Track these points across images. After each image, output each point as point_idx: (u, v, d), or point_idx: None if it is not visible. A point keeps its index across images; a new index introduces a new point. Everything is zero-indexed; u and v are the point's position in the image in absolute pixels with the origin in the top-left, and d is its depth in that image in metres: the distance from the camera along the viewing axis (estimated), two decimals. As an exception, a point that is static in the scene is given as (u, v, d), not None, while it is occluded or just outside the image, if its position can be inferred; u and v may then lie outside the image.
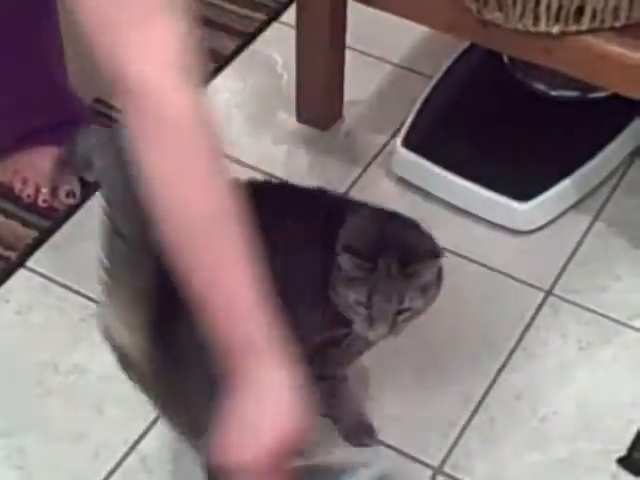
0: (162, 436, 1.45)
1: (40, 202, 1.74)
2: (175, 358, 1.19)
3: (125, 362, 1.24)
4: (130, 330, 1.19)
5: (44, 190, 1.74)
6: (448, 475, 1.43)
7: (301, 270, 1.24)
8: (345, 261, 1.21)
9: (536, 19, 1.46)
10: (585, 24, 1.46)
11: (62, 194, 1.74)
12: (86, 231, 1.70)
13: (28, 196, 1.74)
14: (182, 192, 1.01)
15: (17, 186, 1.75)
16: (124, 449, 1.45)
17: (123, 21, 1.00)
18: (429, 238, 1.28)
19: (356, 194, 1.73)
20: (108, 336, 1.23)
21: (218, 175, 1.02)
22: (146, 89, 1.00)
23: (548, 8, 1.45)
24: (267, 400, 1.01)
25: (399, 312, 1.23)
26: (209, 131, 1.03)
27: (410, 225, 1.29)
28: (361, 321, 1.24)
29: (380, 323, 1.23)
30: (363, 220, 1.28)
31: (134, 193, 1.06)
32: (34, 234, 1.70)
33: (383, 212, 1.31)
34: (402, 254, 1.22)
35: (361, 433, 1.46)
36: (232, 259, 1.01)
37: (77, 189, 1.75)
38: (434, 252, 1.25)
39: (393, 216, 1.31)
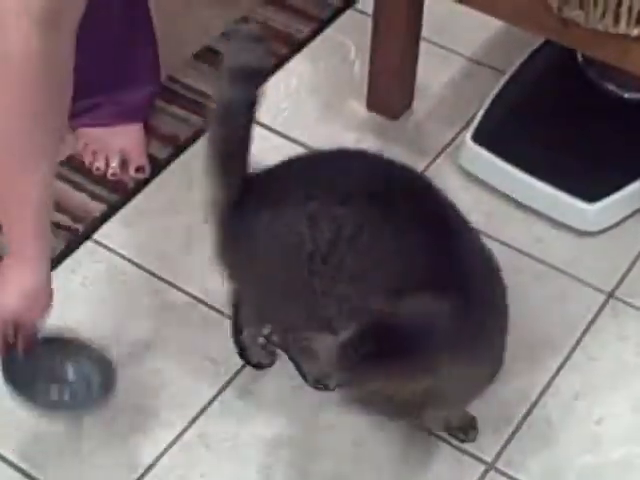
0: (220, 413, 1.47)
1: (109, 175, 1.75)
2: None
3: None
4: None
5: (113, 164, 1.75)
6: (501, 471, 1.42)
7: None
8: None
9: (616, 20, 1.46)
10: (666, 28, 1.46)
11: (132, 169, 1.76)
12: (154, 207, 1.72)
13: (97, 169, 1.76)
14: None
15: (87, 159, 1.77)
16: (184, 424, 1.46)
17: None
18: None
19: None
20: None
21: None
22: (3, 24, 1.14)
23: (630, 10, 1.44)
24: (4, 285, 1.29)
25: None
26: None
27: None
28: None
29: None
30: None
31: None
32: (102, 207, 1.71)
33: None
34: None
35: None
36: (27, 178, 1.23)
37: (147, 165, 1.77)
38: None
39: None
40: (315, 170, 1.34)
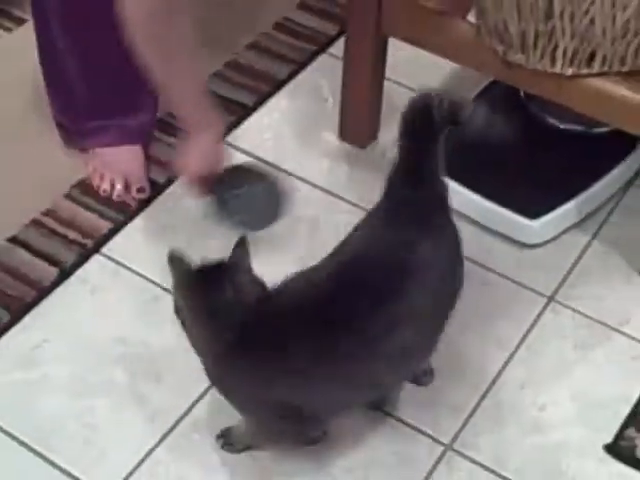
0: (213, 403, 1.47)
1: (114, 197, 1.75)
2: None
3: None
4: None
5: (118, 186, 1.75)
6: (457, 451, 1.43)
7: None
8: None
9: (553, 62, 1.47)
10: (595, 68, 1.47)
11: (134, 190, 1.76)
12: (154, 225, 1.73)
13: (104, 191, 1.76)
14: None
15: (95, 181, 1.77)
16: (179, 413, 1.46)
17: None
18: None
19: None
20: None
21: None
22: None
23: (564, 53, 1.45)
24: (202, 145, 1.51)
25: None
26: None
27: None
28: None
29: None
30: None
31: None
32: (109, 225, 1.71)
33: None
34: None
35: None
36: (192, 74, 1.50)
37: (147, 186, 1.77)
38: None
39: None
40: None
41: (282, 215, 1.56)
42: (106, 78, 1.71)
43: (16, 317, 1.58)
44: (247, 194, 1.54)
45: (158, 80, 1.47)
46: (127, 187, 1.76)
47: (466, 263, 1.62)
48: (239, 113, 1.90)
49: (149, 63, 1.43)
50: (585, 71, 1.47)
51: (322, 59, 2.01)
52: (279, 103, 1.94)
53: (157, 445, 1.43)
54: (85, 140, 1.78)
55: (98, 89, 1.72)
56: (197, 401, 1.47)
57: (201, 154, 1.51)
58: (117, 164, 1.76)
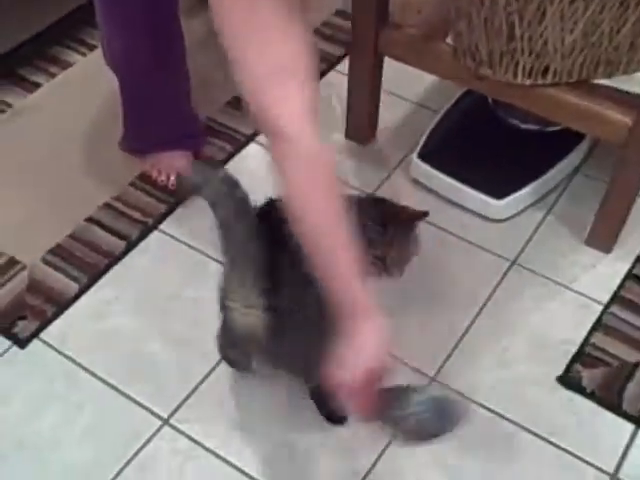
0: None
1: (170, 186, 1.74)
2: (285, 321, 1.15)
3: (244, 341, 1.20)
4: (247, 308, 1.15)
5: (172, 178, 1.74)
6: (440, 382, 1.42)
7: None
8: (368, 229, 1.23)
9: (515, 75, 1.45)
10: (549, 79, 1.44)
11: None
12: (200, 207, 1.69)
13: (162, 181, 1.74)
14: (315, 208, 1.02)
15: (154, 174, 1.75)
16: (217, 358, 1.44)
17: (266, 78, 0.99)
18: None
19: (383, 190, 1.72)
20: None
21: (336, 197, 1.03)
22: (288, 133, 0.99)
23: (524, 68, 1.43)
24: (366, 342, 1.02)
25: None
26: (330, 167, 1.04)
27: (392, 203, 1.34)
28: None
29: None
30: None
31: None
32: (165, 207, 1.70)
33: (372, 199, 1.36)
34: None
35: None
36: (343, 250, 1.02)
37: None
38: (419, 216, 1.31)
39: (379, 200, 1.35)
40: None
41: (451, 429, 1.13)
42: (161, 106, 1.68)
43: (92, 280, 1.57)
44: (417, 414, 1.10)
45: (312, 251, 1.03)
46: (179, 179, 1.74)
47: (444, 234, 1.63)
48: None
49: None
50: (541, 82, 1.45)
51: (331, 75, 1.98)
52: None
53: (203, 380, 1.42)
54: (148, 150, 1.75)
55: (155, 115, 1.71)
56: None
57: (363, 357, 1.02)
58: (171, 163, 1.73)
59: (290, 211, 1.03)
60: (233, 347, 1.35)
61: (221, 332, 1.33)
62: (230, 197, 1.13)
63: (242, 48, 1.00)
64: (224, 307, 1.21)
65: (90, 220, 1.67)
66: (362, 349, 1.02)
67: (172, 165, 1.73)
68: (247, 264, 1.14)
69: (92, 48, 2.04)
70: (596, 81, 1.46)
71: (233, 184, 1.12)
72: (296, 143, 1.00)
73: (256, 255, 1.13)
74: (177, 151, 1.74)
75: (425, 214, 1.33)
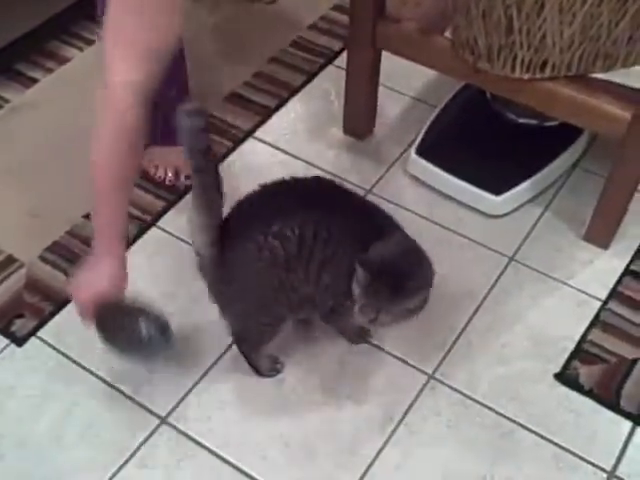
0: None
1: (167, 182, 1.72)
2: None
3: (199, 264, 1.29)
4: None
5: (169, 174, 1.72)
6: (438, 380, 1.41)
7: (341, 248, 1.21)
8: (360, 272, 1.18)
9: (513, 69, 1.43)
10: (547, 73, 1.43)
11: (182, 177, 1.73)
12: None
13: (159, 177, 1.73)
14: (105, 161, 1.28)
15: (151, 170, 1.74)
16: (220, 352, 1.44)
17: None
18: (430, 273, 1.22)
19: (381, 186, 1.71)
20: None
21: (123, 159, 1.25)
22: (111, 97, 1.23)
23: (522, 61, 1.42)
24: (99, 271, 1.28)
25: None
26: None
27: (421, 261, 1.22)
28: (357, 310, 1.21)
29: (368, 315, 1.21)
30: (389, 246, 1.21)
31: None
32: (163, 204, 1.69)
33: (408, 244, 1.24)
34: (403, 281, 1.17)
35: (362, 336, 1.43)
36: (116, 208, 1.29)
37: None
38: (428, 283, 1.21)
39: (412, 250, 1.23)
40: (268, 205, 1.26)
41: (161, 348, 1.30)
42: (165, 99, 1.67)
43: (91, 277, 1.56)
44: (127, 328, 1.29)
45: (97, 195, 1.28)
46: (177, 175, 1.73)
47: (442, 230, 1.62)
48: (263, 114, 1.86)
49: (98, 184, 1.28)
50: (539, 76, 1.43)
51: (329, 70, 1.96)
52: (295, 105, 1.89)
53: (203, 376, 1.41)
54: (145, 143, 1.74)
55: (157, 110, 1.69)
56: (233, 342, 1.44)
57: (95, 279, 1.27)
58: (169, 159, 1.72)
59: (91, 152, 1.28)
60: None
61: None
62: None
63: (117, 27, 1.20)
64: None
65: (88, 217, 1.66)
66: (96, 278, 1.28)
67: (169, 161, 1.72)
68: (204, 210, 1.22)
69: (90, 43, 2.03)
70: (594, 75, 1.44)
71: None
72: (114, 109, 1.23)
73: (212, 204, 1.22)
74: (173, 146, 1.73)
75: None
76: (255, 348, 1.39)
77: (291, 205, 1.23)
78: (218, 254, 1.25)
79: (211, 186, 1.20)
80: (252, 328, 1.35)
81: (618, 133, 1.42)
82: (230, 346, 1.44)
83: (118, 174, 1.27)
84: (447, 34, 1.52)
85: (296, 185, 1.28)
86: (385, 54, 1.65)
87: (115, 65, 1.21)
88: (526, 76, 1.43)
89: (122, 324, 1.30)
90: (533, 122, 1.69)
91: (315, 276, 1.24)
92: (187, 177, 1.73)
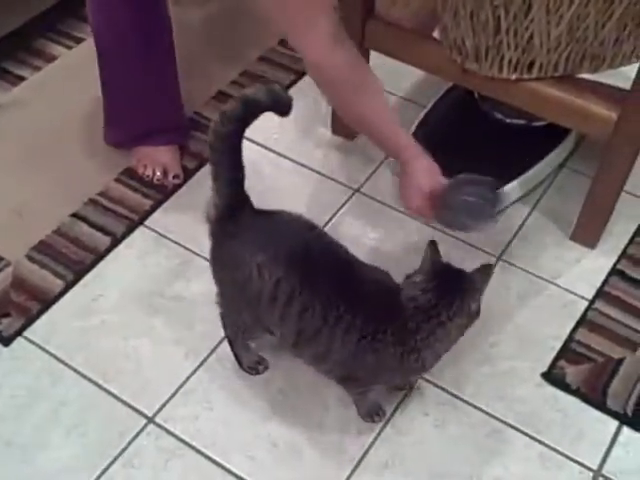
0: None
1: (155, 181, 1.72)
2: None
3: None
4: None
5: (158, 174, 1.72)
6: (426, 379, 1.41)
7: None
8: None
9: (500, 69, 1.44)
10: (534, 74, 1.43)
11: (170, 176, 1.72)
12: (186, 202, 1.69)
13: (147, 176, 1.72)
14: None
15: (140, 170, 1.73)
16: (207, 352, 1.44)
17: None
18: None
19: (370, 185, 1.71)
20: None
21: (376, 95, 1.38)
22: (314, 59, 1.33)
23: (509, 62, 1.42)
24: (420, 174, 1.34)
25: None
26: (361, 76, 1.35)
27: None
28: None
29: None
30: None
31: None
32: (150, 203, 1.68)
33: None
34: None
35: (373, 415, 1.36)
36: (388, 125, 1.39)
37: (181, 173, 1.73)
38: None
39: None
40: (270, 230, 1.25)
41: (495, 216, 1.35)
42: (149, 97, 1.68)
43: (78, 276, 1.55)
44: (471, 201, 1.31)
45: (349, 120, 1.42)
46: (165, 174, 1.72)
47: (430, 230, 1.60)
48: (252, 113, 1.86)
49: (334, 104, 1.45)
50: (526, 76, 1.44)
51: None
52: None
53: (187, 380, 1.41)
54: (132, 142, 1.74)
55: (143, 108, 1.69)
56: (220, 342, 1.44)
57: (417, 185, 1.33)
58: (157, 158, 1.72)
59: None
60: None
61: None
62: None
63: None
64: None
65: (75, 216, 1.66)
66: (416, 186, 1.33)
67: (157, 160, 1.71)
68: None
69: (78, 41, 2.02)
70: (582, 76, 1.45)
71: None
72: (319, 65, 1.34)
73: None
74: (161, 146, 1.72)
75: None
76: (237, 338, 1.38)
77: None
78: (221, 225, 1.25)
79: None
80: (233, 318, 1.35)
81: (605, 133, 1.42)
82: (218, 345, 1.44)
83: (370, 109, 1.37)
84: (435, 34, 1.52)
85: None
86: (374, 54, 1.65)
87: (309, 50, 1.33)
88: (513, 76, 1.43)
89: (463, 201, 1.31)
90: (521, 122, 1.69)
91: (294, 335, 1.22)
92: (175, 176, 1.72)
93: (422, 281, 1.18)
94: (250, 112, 1.23)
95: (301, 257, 1.20)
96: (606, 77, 1.45)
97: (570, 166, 1.74)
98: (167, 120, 1.73)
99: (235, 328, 1.36)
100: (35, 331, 1.46)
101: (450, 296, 1.18)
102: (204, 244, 1.58)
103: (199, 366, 1.42)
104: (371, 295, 1.20)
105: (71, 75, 1.95)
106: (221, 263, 1.28)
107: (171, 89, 1.71)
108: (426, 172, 1.34)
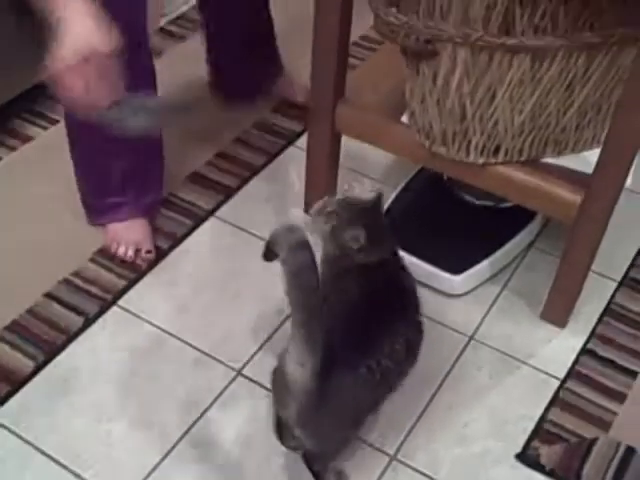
0: (208, 424, 1.44)
1: (127, 259, 1.73)
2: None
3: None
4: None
5: (129, 252, 1.73)
6: (400, 461, 1.41)
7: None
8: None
9: (467, 153, 1.48)
10: (500, 158, 1.48)
11: (143, 252, 1.74)
12: (159, 281, 1.70)
13: (120, 255, 1.73)
14: None
15: (112, 248, 1.75)
16: (180, 434, 1.42)
17: None
18: None
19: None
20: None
21: None
22: None
23: (476, 147, 1.47)
24: (74, 23, 1.00)
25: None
26: None
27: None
28: None
29: None
30: None
31: None
32: (124, 283, 1.69)
33: None
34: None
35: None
36: None
37: (153, 249, 1.75)
38: None
39: None
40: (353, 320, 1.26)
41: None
42: (120, 165, 1.70)
43: (49, 357, 1.55)
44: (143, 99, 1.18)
45: None
46: (137, 251, 1.74)
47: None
48: (226, 193, 1.89)
49: None
50: (492, 160, 1.48)
51: (290, 151, 2.01)
52: (257, 185, 1.92)
53: (160, 462, 1.39)
54: (104, 216, 1.76)
55: (114, 175, 1.72)
56: (193, 424, 1.44)
57: (69, 39, 0.99)
58: (129, 235, 1.74)
59: None
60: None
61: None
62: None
63: None
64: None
65: (48, 296, 1.66)
66: (68, 32, 0.98)
67: (129, 238, 1.74)
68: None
69: (53, 122, 2.05)
70: (546, 160, 1.50)
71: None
72: None
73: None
74: (135, 219, 1.75)
75: None
76: (328, 464, 1.34)
77: (378, 311, 1.25)
78: (318, 384, 1.16)
79: (316, 329, 1.12)
80: (338, 444, 1.33)
81: (569, 216, 1.47)
82: (191, 427, 1.43)
83: None
84: (404, 119, 1.57)
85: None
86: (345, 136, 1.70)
87: None
88: (480, 160, 1.48)
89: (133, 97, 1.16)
90: (489, 203, 1.73)
91: None
92: (148, 252, 1.74)
93: None
94: None
95: None
96: (570, 161, 1.50)
97: (538, 246, 1.79)
98: (144, 183, 1.75)
99: (336, 452, 1.34)
100: (4, 413, 1.45)
101: None
102: (177, 324, 1.60)
103: (173, 447, 1.41)
104: None
105: (46, 155, 1.97)
106: (330, 405, 1.21)
107: (156, 171, 1.76)
108: (88, 22, 1.01)
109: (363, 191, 1.38)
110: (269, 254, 1.16)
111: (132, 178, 1.73)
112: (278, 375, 1.23)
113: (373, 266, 1.31)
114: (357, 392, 1.23)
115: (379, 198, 1.35)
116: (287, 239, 1.10)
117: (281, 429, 1.34)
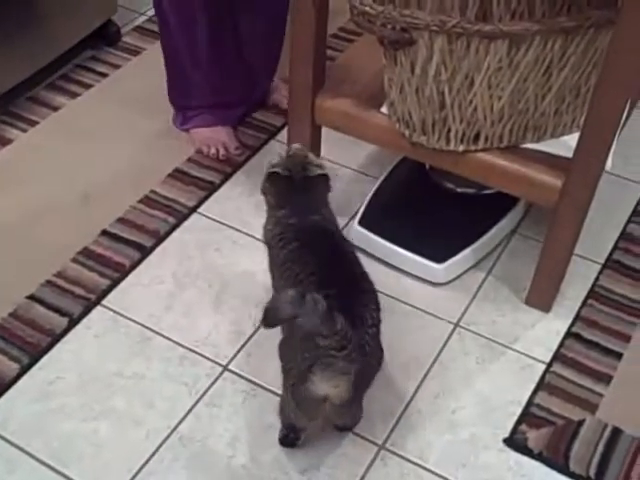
0: (196, 421, 1.44)
1: (220, 157, 1.94)
2: None
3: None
4: None
5: (222, 151, 1.94)
6: (389, 450, 1.41)
7: None
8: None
9: (447, 141, 1.49)
10: (480, 145, 1.49)
11: (232, 150, 1.95)
12: (143, 281, 1.69)
13: (213, 154, 1.93)
14: None
15: (204, 150, 1.94)
16: (168, 432, 1.43)
17: None
18: None
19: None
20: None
21: None
22: None
23: (456, 134, 1.48)
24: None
25: None
26: None
27: None
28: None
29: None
30: None
31: None
32: (107, 282, 1.67)
33: None
34: None
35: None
36: None
37: (240, 147, 1.97)
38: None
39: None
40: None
41: None
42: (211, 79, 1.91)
43: (34, 359, 1.54)
44: None
45: None
46: (226, 150, 1.94)
47: (389, 299, 1.64)
48: (208, 189, 1.89)
49: None
50: (473, 148, 1.50)
51: (271, 145, 2.01)
52: (239, 180, 1.92)
53: (148, 460, 1.39)
54: (190, 122, 1.97)
55: (204, 85, 1.93)
56: (181, 420, 1.44)
57: None
58: (217, 137, 1.94)
59: None
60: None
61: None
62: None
63: None
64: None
65: (31, 298, 1.65)
66: None
67: (218, 139, 1.94)
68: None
69: (33, 124, 2.04)
70: (526, 145, 1.51)
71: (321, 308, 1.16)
72: None
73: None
74: (218, 126, 1.96)
75: None
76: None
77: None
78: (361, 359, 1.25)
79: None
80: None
81: (550, 200, 1.48)
82: (179, 424, 1.44)
83: None
84: (383, 109, 1.58)
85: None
86: (327, 128, 1.70)
87: None
88: (460, 148, 1.49)
89: None
90: (471, 191, 1.74)
91: None
92: (236, 148, 1.97)
93: None
94: None
95: None
96: (549, 146, 1.51)
97: (521, 232, 1.80)
98: (231, 97, 1.95)
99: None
100: (-10, 417, 1.45)
101: None
102: (162, 322, 1.60)
103: (160, 445, 1.41)
104: None
105: (25, 159, 1.96)
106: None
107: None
108: None
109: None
110: (272, 322, 1.20)
111: (220, 93, 1.94)
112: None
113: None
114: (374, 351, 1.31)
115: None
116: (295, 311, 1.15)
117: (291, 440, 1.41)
